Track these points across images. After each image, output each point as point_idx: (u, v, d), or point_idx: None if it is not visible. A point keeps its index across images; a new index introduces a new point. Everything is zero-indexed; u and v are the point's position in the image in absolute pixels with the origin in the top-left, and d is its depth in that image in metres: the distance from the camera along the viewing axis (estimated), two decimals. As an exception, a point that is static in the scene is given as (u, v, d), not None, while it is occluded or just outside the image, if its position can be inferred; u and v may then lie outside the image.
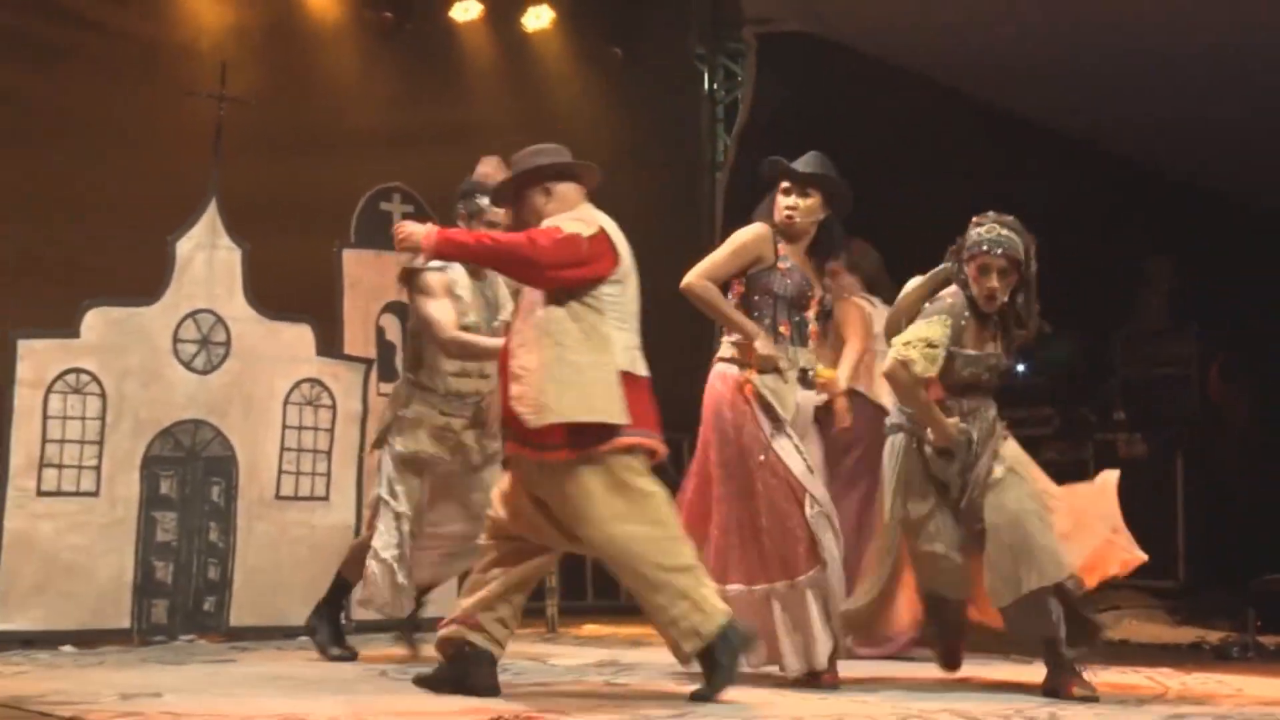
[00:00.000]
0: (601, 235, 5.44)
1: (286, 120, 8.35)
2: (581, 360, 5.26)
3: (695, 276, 5.80)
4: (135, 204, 7.92)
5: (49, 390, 7.23)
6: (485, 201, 6.25)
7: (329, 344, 7.78)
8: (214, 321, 7.48)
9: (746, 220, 5.94)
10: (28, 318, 7.38)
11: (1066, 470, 9.04)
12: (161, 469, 7.38)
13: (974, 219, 5.70)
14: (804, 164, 5.83)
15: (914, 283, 5.79)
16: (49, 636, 7.14)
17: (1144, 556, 5.58)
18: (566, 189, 5.54)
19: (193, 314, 7.40)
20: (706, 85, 10.52)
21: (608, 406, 5.22)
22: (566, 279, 5.31)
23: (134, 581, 7.35)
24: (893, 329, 5.75)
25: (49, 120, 7.98)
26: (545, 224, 5.40)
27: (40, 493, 7.18)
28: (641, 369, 5.40)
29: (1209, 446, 9.55)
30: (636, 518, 5.20)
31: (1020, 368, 9.68)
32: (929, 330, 5.54)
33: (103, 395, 7.30)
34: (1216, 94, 8.95)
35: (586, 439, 5.20)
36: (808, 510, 5.60)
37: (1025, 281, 5.70)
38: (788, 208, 5.82)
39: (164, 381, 7.23)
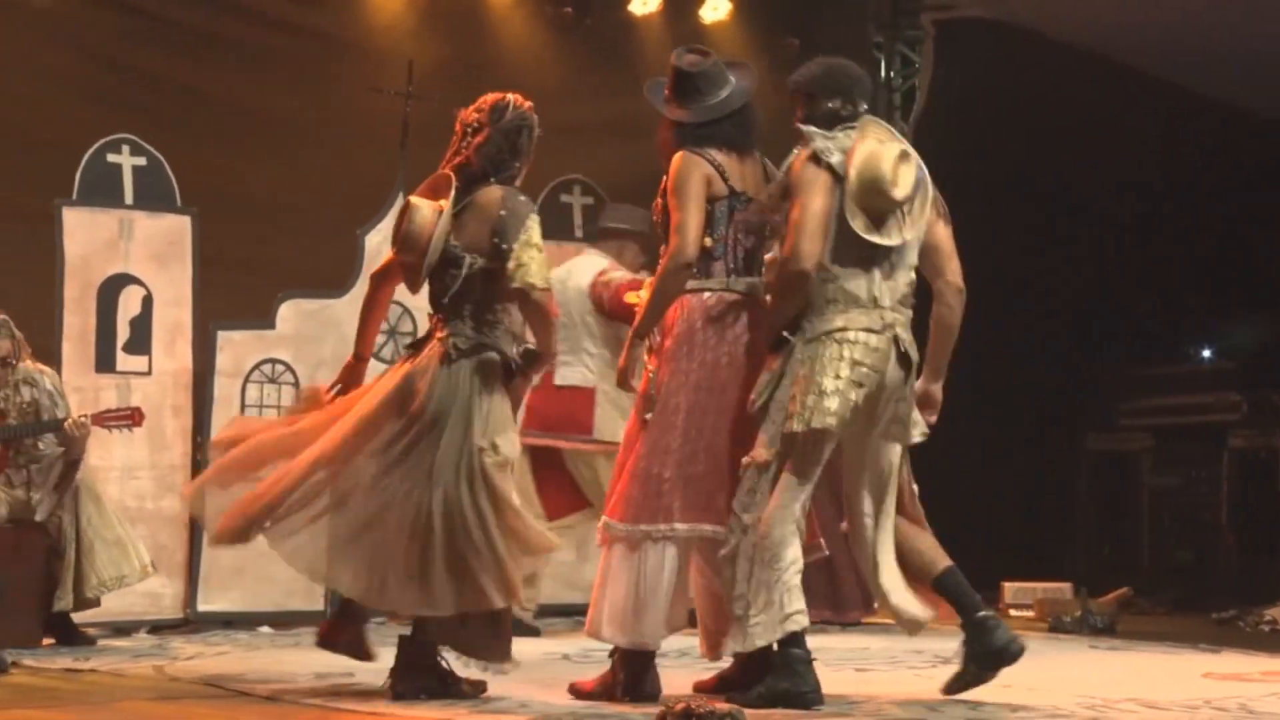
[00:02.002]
0: None
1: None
2: None
3: None
4: (326, 199, 8.05)
5: (246, 379, 7.41)
6: None
7: (512, 332, 7.84)
8: (401, 312, 7.58)
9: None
10: (226, 309, 7.57)
11: (1256, 458, 8.85)
12: (352, 456, 7.50)
13: None
14: None
15: None
16: (247, 618, 7.32)
17: None
18: None
19: (382, 305, 7.52)
20: (883, 73, 10.40)
21: None
22: None
23: (327, 565, 7.48)
24: None
25: (244, 119, 8.15)
26: None
27: (238, 479, 7.35)
28: (555, 379, 7.07)
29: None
30: None
31: (1206, 352, 9.43)
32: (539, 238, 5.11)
33: (296, 384, 7.45)
34: None
35: None
36: None
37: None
38: None
39: (354, 371, 7.35)
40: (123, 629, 7.07)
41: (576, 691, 4.99)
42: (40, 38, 8.10)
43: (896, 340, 4.87)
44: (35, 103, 7.97)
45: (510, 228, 5.00)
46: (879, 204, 4.83)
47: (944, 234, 5.09)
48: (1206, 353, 9.46)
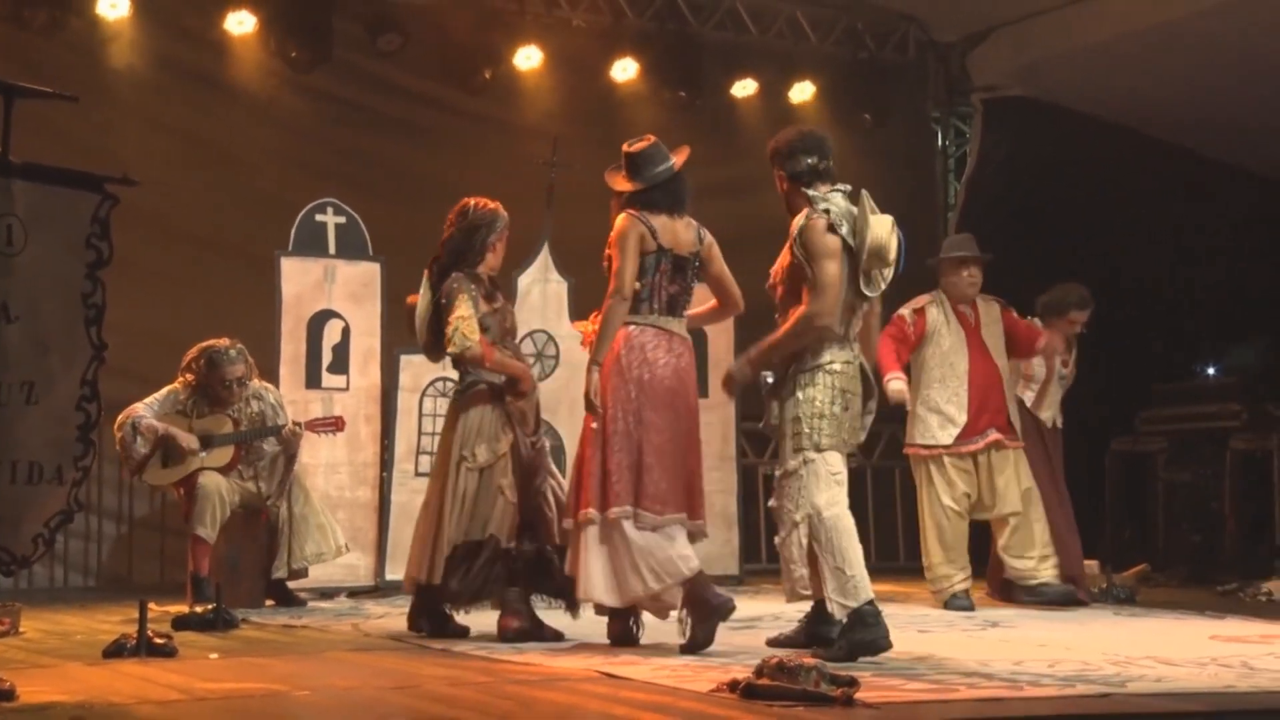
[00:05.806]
0: None
1: (602, 179, 8.48)
2: None
3: None
4: (487, 249, 8.13)
5: (423, 394, 7.49)
6: None
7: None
8: (547, 339, 7.66)
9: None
10: (407, 338, 7.59)
11: (1254, 458, 8.65)
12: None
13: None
14: None
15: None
16: (425, 585, 7.38)
17: None
18: None
19: (531, 333, 7.57)
20: (940, 142, 10.34)
21: None
22: None
23: (489, 543, 7.54)
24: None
25: (422, 185, 8.27)
26: None
27: (417, 474, 7.43)
28: None
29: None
30: None
31: (1211, 370, 9.25)
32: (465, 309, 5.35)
33: (464, 398, 7.52)
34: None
35: None
36: None
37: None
38: None
39: (510, 387, 7.41)
40: (327, 594, 7.18)
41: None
42: (266, 123, 8.34)
43: (861, 366, 5.01)
44: (260, 174, 8.18)
45: (448, 308, 5.34)
46: (879, 266, 4.92)
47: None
48: (1212, 371, 9.27)
